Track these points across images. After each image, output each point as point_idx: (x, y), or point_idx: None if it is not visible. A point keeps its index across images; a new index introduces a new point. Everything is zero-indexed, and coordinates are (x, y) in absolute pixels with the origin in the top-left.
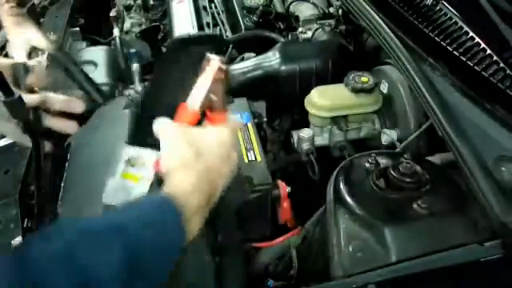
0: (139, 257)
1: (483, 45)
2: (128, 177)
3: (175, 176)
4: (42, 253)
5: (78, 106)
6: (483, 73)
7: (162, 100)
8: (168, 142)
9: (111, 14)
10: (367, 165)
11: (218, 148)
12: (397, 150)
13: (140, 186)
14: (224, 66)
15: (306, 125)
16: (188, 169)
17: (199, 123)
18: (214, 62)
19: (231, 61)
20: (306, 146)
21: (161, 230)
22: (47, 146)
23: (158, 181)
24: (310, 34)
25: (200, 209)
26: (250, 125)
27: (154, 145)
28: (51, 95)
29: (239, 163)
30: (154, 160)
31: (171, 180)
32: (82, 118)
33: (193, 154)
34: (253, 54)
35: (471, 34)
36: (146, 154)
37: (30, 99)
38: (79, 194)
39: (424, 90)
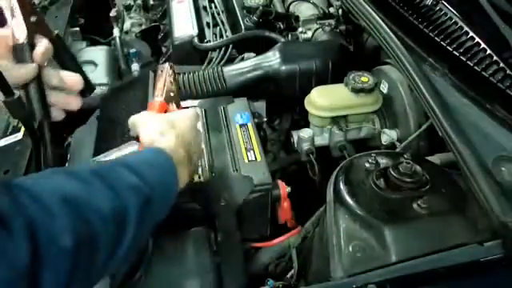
0: (149, 182)
1: (483, 45)
2: None
3: (158, 140)
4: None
5: (76, 102)
6: (483, 73)
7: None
8: (145, 125)
9: (111, 14)
10: (367, 165)
11: (187, 120)
12: (397, 150)
13: None
14: (172, 67)
15: (306, 125)
16: (167, 135)
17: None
18: (165, 66)
19: (231, 61)
20: (306, 146)
21: (161, 170)
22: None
23: None
24: (310, 34)
25: (185, 160)
26: (249, 125)
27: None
28: (49, 69)
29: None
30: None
31: (156, 143)
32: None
33: (167, 125)
34: (253, 54)
35: (471, 33)
36: (117, 154)
37: (26, 70)
38: None
39: (424, 90)
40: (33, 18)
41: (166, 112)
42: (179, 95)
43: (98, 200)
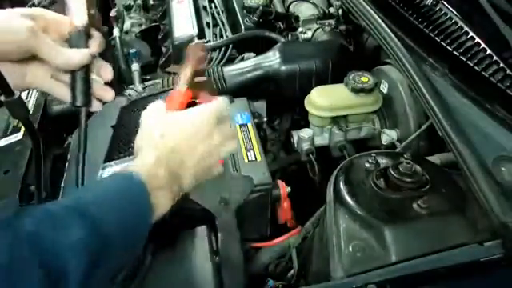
0: (103, 233)
1: (483, 45)
2: None
3: (140, 154)
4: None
5: (111, 94)
6: (483, 73)
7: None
8: (142, 126)
9: (111, 14)
10: (367, 165)
11: (190, 128)
12: (397, 150)
13: None
14: (203, 46)
15: (306, 125)
16: (150, 147)
17: (193, 104)
18: (193, 46)
19: (231, 61)
20: (306, 146)
21: (125, 203)
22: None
23: None
24: (310, 34)
25: (166, 184)
26: (250, 125)
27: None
28: (98, 59)
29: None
30: None
31: (136, 158)
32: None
33: (157, 135)
34: (253, 54)
35: (471, 33)
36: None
37: (82, 55)
38: None
39: (424, 90)
40: (92, 11)
41: (191, 104)
42: (211, 82)
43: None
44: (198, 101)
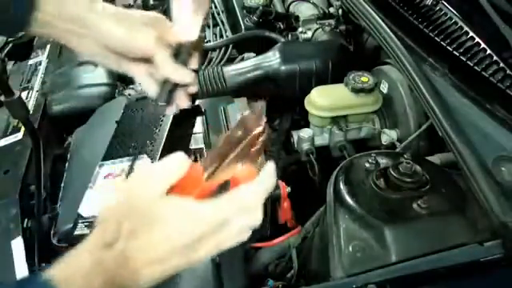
0: None
1: (483, 45)
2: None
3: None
4: None
5: (186, 102)
6: (483, 73)
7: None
8: (132, 196)
9: None
10: (367, 165)
11: (174, 230)
12: (397, 150)
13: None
14: (265, 132)
15: (306, 125)
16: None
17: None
18: (254, 126)
19: (231, 61)
20: (306, 146)
21: None
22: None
23: None
24: (310, 34)
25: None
26: None
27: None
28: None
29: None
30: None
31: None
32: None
33: (128, 227)
34: (253, 54)
35: (471, 33)
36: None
37: (184, 75)
38: (79, 194)
39: (424, 90)
40: (202, 33)
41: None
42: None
43: None
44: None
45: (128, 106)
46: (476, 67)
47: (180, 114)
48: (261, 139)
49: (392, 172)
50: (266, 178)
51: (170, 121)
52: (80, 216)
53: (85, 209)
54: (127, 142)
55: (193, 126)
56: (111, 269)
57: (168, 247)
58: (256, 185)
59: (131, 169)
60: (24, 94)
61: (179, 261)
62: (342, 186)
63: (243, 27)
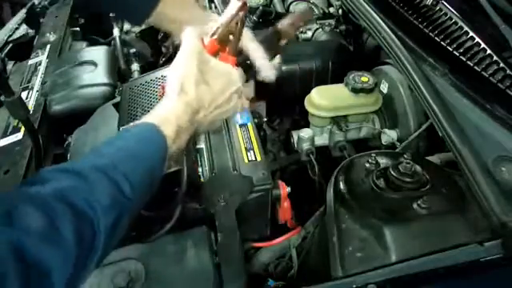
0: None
1: (483, 45)
2: None
3: (166, 103)
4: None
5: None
6: (483, 73)
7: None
8: (183, 56)
9: (111, 14)
10: (367, 165)
11: (224, 80)
12: (397, 150)
13: None
14: (246, 5)
15: (306, 125)
16: (192, 85)
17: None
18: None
19: None
20: (306, 145)
21: (141, 144)
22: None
23: None
24: (309, 34)
25: (187, 129)
26: (250, 125)
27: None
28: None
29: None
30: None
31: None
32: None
33: (200, 79)
34: None
35: (471, 33)
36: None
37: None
38: None
39: (424, 90)
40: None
41: (214, 55)
42: (237, 47)
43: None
44: (218, 57)
45: (127, 86)
46: (476, 67)
47: None
48: (241, 13)
49: (392, 172)
50: None
51: None
52: None
53: None
54: (136, 112)
55: None
56: (192, 111)
57: (222, 97)
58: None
59: None
60: (24, 94)
61: (226, 108)
62: (342, 185)
63: None
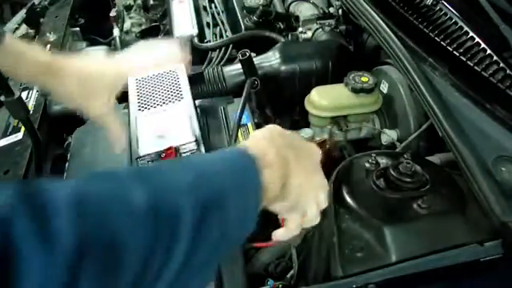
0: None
1: (483, 45)
2: None
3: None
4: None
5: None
6: (483, 73)
7: None
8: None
9: (111, 14)
10: (367, 165)
11: (312, 158)
12: (397, 150)
13: None
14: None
15: (306, 125)
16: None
17: None
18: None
19: (231, 61)
20: None
21: (235, 172)
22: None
23: None
24: (309, 34)
25: (275, 164)
26: (249, 125)
27: None
28: None
29: None
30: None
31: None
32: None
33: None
34: (253, 54)
35: (471, 33)
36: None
37: None
38: None
39: (424, 90)
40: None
41: None
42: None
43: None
44: None
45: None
46: (476, 67)
47: None
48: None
49: (392, 172)
50: None
51: None
52: None
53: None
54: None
55: None
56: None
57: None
58: None
59: None
60: (24, 94)
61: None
62: (342, 185)
63: (243, 27)
